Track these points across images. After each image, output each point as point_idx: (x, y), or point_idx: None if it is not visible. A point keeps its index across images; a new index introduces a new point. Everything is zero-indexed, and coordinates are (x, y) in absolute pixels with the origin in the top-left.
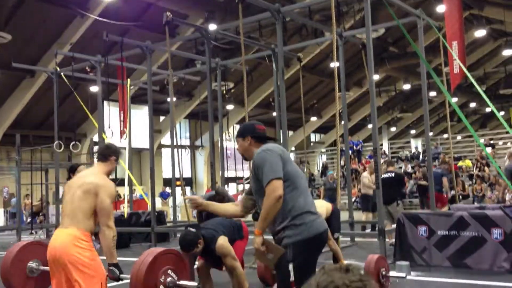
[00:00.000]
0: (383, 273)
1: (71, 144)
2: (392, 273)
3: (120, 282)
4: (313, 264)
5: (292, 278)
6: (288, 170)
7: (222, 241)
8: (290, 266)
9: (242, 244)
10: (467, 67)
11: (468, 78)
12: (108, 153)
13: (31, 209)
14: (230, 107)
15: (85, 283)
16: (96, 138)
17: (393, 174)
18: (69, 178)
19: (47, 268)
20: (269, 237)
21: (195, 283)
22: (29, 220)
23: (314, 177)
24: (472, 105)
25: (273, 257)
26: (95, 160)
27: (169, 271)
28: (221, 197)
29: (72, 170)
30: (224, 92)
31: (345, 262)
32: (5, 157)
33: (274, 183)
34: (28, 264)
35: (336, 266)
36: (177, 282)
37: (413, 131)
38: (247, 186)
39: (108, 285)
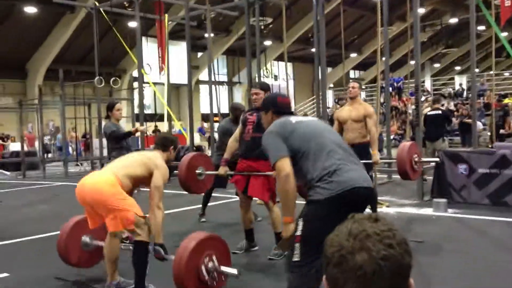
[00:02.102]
0: (416, 159)
1: (112, 79)
2: (425, 159)
3: (165, 262)
4: (328, 223)
5: (298, 233)
6: (292, 142)
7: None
8: (300, 221)
9: None
10: None
11: None
12: (168, 143)
13: (76, 142)
14: (268, 43)
15: (117, 215)
16: (135, 73)
17: (440, 112)
18: (107, 116)
19: (100, 242)
20: None
21: (235, 271)
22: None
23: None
24: None
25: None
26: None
27: (212, 256)
28: (239, 112)
29: (110, 108)
30: (262, 27)
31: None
32: (49, 91)
33: (277, 165)
34: (82, 238)
35: (365, 215)
36: (219, 268)
37: (457, 68)
38: None
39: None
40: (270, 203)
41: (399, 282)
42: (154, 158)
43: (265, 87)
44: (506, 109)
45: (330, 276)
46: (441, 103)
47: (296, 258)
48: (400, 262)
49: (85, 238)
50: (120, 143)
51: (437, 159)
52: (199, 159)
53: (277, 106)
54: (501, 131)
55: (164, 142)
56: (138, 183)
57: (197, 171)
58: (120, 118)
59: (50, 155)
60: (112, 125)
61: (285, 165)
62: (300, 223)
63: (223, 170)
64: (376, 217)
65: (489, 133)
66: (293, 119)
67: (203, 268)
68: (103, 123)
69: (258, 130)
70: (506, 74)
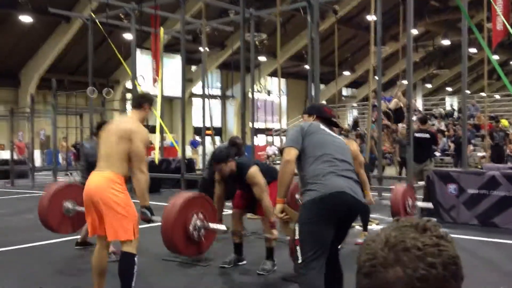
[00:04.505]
0: (410, 202)
1: (105, 90)
2: (419, 204)
3: (152, 224)
4: (319, 224)
5: (297, 237)
6: (308, 143)
7: (255, 169)
8: (296, 225)
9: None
10: (511, 24)
11: (511, 35)
12: (142, 101)
13: (66, 151)
14: (262, 58)
15: (117, 223)
16: (128, 84)
17: (428, 135)
18: (96, 134)
19: (82, 208)
20: None
21: (223, 226)
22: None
23: (344, 132)
24: None
25: (293, 224)
26: (129, 107)
27: (199, 214)
28: (237, 146)
29: (100, 127)
30: (257, 43)
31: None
32: (41, 100)
33: (285, 150)
34: (64, 204)
35: (413, 222)
36: (206, 225)
37: (449, 88)
38: (276, 138)
39: (141, 226)
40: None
41: None
42: (128, 125)
43: (222, 159)
44: (505, 130)
45: (359, 285)
46: (428, 123)
47: (299, 260)
48: (442, 286)
49: (67, 204)
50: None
51: (431, 205)
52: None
53: (321, 112)
54: (507, 151)
55: (138, 100)
56: (130, 156)
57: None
58: None
59: (38, 164)
60: (96, 145)
61: (292, 152)
62: (297, 228)
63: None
64: (424, 226)
65: (481, 154)
66: (322, 126)
67: (191, 224)
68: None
69: (249, 194)
70: (497, 96)
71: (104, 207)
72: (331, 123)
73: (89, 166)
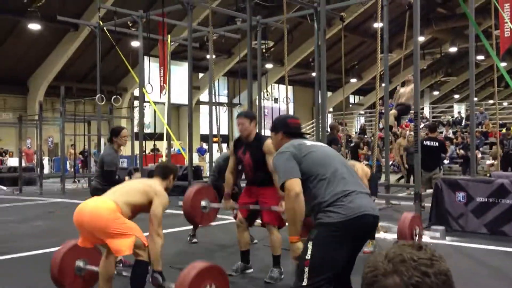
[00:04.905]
0: (417, 231)
1: (113, 97)
2: (426, 232)
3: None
4: (336, 250)
5: (308, 257)
6: (306, 165)
7: (271, 141)
8: (310, 244)
9: None
10: None
11: None
12: (168, 172)
13: (74, 158)
14: (269, 66)
15: (117, 243)
16: (136, 92)
17: (437, 143)
18: (110, 140)
19: (94, 267)
20: None
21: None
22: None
23: (351, 138)
24: None
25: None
26: (136, 115)
27: (212, 286)
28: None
29: (116, 133)
30: (264, 50)
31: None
32: (50, 108)
33: (288, 184)
34: (76, 263)
35: (410, 242)
36: None
37: (456, 96)
38: None
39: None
40: (273, 226)
41: None
42: (154, 186)
43: (250, 116)
44: None
45: None
46: (437, 131)
47: (304, 282)
48: None
49: (79, 263)
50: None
51: (438, 234)
52: (204, 192)
53: (288, 127)
54: None
55: (165, 171)
56: (137, 210)
57: (201, 204)
58: (125, 145)
59: (46, 171)
60: (113, 152)
61: (295, 184)
62: (310, 247)
63: (228, 204)
64: (420, 245)
65: (490, 162)
66: (307, 142)
67: None
68: (102, 140)
69: (257, 168)
70: (505, 103)
71: (99, 229)
72: (301, 136)
73: (106, 174)
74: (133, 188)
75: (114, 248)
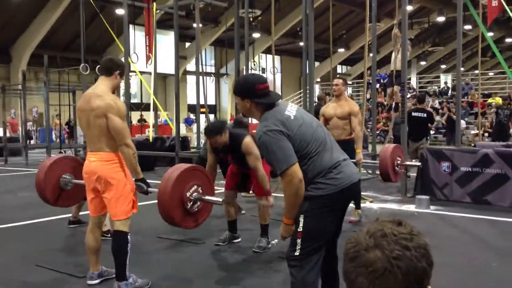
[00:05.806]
0: (398, 161)
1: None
2: (408, 162)
3: (149, 201)
4: (327, 219)
5: (300, 229)
6: (297, 145)
7: (249, 139)
8: (301, 217)
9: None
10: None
11: (507, 11)
12: (112, 67)
13: (60, 129)
14: (256, 35)
15: (115, 204)
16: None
17: (424, 114)
18: None
19: (79, 181)
20: None
21: (220, 199)
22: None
23: None
24: (508, 40)
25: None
26: (122, 85)
27: (195, 186)
28: (244, 126)
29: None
30: (251, 19)
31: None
32: (33, 77)
33: (290, 171)
34: (62, 177)
35: (390, 219)
36: (203, 197)
37: (443, 66)
38: None
39: (138, 203)
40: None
41: (411, 285)
42: (100, 102)
43: (218, 132)
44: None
45: (344, 270)
46: (425, 103)
47: (296, 252)
48: (414, 265)
49: (65, 176)
50: None
51: (419, 164)
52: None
53: (257, 95)
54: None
55: (107, 66)
56: (112, 133)
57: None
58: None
59: (32, 141)
60: None
61: (298, 170)
62: (301, 220)
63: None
64: (399, 221)
65: (474, 132)
66: (290, 114)
67: (188, 196)
68: None
69: (244, 163)
70: (491, 73)
71: (103, 184)
72: (274, 104)
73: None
74: (92, 125)
75: (114, 210)
